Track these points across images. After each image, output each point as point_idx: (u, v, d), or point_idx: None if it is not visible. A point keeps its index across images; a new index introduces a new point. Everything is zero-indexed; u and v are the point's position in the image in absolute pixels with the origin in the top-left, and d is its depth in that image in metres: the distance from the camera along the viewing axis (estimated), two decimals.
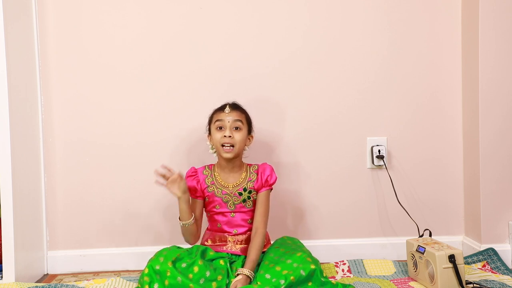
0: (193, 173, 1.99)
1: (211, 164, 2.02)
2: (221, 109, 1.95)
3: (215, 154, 1.99)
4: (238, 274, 1.78)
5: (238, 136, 1.91)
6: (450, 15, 2.30)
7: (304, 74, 2.27)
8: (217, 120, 1.93)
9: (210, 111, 2.00)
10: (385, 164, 2.28)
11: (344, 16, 2.27)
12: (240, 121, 1.93)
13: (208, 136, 1.99)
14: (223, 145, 1.91)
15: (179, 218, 1.91)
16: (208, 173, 1.99)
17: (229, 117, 1.92)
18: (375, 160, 2.29)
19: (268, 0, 2.25)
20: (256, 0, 2.25)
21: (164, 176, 1.87)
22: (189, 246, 1.94)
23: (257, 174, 1.97)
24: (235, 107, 1.96)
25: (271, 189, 1.99)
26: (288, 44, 2.26)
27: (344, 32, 2.28)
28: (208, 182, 1.97)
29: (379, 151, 2.28)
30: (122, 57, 2.22)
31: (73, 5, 2.19)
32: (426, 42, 2.30)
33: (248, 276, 1.77)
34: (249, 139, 1.99)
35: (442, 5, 2.29)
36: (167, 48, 2.23)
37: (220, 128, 1.92)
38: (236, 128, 1.92)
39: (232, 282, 1.75)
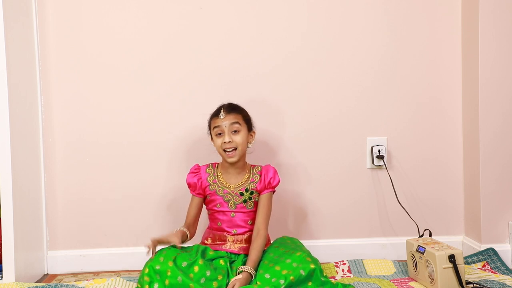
0: (195, 170, 2.00)
1: (215, 163, 2.03)
2: (216, 114, 1.94)
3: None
4: (239, 273, 1.78)
5: (238, 138, 1.91)
6: (450, 15, 2.30)
7: (304, 74, 2.27)
8: (215, 127, 1.93)
9: (210, 112, 1.99)
10: (385, 164, 2.28)
11: (344, 15, 2.27)
12: (237, 122, 1.92)
13: (211, 139, 1.99)
14: (225, 150, 1.91)
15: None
16: (211, 172, 1.99)
17: (225, 122, 1.91)
18: (375, 160, 2.29)
19: (267, 0, 2.25)
20: (256, 0, 2.25)
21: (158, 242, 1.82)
22: (187, 245, 1.94)
23: (260, 176, 1.97)
24: (229, 110, 1.94)
25: (274, 191, 1.99)
26: (287, 44, 2.26)
27: (343, 32, 2.28)
28: (210, 180, 1.97)
29: (379, 151, 2.28)
30: (122, 57, 2.22)
31: (73, 5, 2.19)
32: (426, 42, 2.30)
33: (249, 274, 1.77)
34: (251, 135, 1.99)
35: (442, 4, 2.29)
36: (167, 48, 2.23)
37: (219, 134, 1.92)
38: (235, 131, 1.92)
39: (232, 280, 1.75)
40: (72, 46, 2.20)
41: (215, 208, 1.97)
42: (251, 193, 1.96)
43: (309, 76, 2.27)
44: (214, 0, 2.23)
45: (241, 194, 1.96)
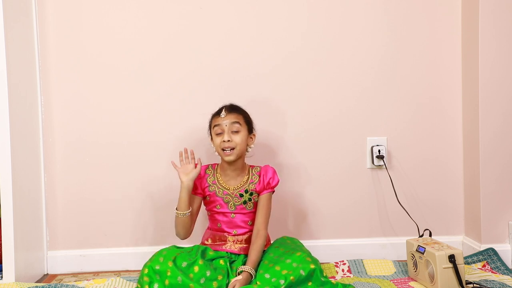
0: None
1: (215, 164, 2.03)
2: (218, 113, 1.95)
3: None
4: (239, 273, 1.78)
5: (237, 138, 1.91)
6: (450, 15, 2.30)
7: (304, 74, 2.27)
8: (215, 126, 1.93)
9: (210, 112, 2.00)
10: (385, 164, 2.28)
11: (344, 15, 2.27)
12: (238, 123, 1.92)
13: (211, 140, 1.99)
14: (223, 149, 1.91)
15: (176, 208, 1.91)
16: (211, 173, 1.99)
17: (225, 121, 1.91)
18: (375, 160, 2.29)
19: (267, 0, 2.25)
20: (256, 0, 2.25)
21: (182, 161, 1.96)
22: (187, 245, 1.94)
23: (259, 176, 1.97)
24: (231, 109, 1.94)
25: (273, 191, 1.99)
26: (287, 44, 2.26)
27: (343, 32, 2.28)
28: (209, 181, 1.98)
29: (379, 151, 2.28)
30: (122, 57, 2.22)
31: (73, 5, 2.19)
32: (426, 42, 2.30)
33: (249, 274, 1.77)
34: (251, 138, 1.98)
35: (442, 4, 2.29)
36: (167, 48, 2.23)
37: (219, 133, 1.92)
38: (235, 131, 1.91)
39: (232, 281, 1.75)
40: (72, 46, 2.20)
41: (215, 209, 1.97)
42: (251, 194, 1.96)
43: (309, 76, 2.28)
44: (214, 0, 2.24)
45: (241, 195, 1.95)
